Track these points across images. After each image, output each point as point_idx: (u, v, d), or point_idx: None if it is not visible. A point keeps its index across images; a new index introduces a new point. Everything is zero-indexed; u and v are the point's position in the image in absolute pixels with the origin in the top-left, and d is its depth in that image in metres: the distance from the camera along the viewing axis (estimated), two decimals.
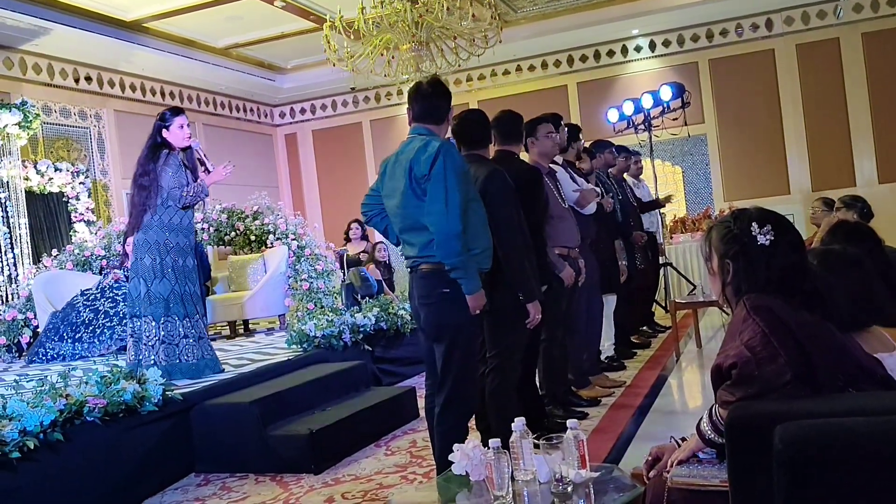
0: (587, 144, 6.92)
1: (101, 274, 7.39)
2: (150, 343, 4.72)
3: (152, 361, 4.67)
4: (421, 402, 4.76)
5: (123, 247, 7.22)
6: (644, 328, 7.51)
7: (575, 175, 5.49)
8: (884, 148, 10.09)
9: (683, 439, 2.17)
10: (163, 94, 10.96)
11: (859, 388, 1.83)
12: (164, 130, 4.75)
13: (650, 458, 2.20)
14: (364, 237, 9.60)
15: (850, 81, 10.21)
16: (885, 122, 10.05)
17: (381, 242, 9.82)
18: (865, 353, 1.94)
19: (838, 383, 1.82)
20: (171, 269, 4.76)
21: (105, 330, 6.50)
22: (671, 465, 2.06)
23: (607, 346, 6.22)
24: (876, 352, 2.03)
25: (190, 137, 4.83)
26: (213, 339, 7.10)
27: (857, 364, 1.87)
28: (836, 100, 10.28)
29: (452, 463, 2.44)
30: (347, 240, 9.44)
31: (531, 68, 11.66)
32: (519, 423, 2.36)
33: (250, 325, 8.31)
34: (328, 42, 8.11)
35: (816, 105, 10.35)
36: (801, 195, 10.18)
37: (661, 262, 8.12)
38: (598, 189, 5.38)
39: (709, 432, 1.97)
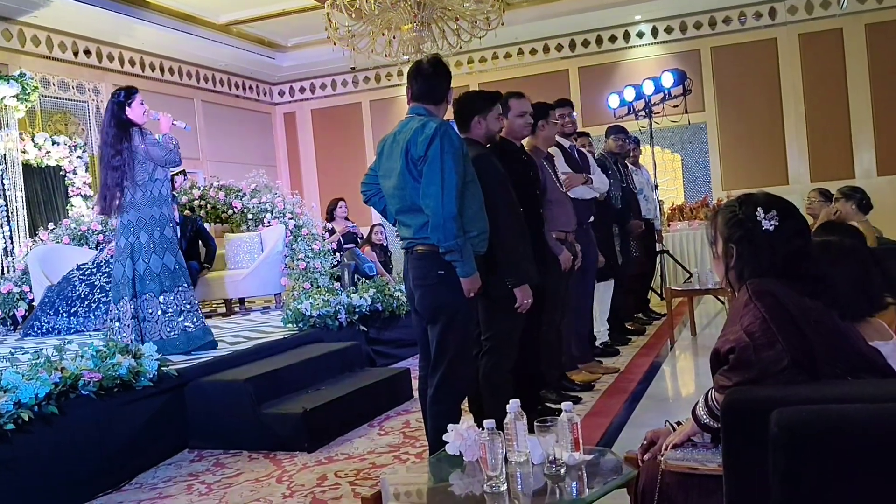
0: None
1: (97, 248, 7.37)
2: (126, 322, 4.75)
3: (131, 339, 4.69)
4: (415, 384, 4.78)
5: None
6: (639, 315, 7.53)
7: (591, 160, 5.58)
8: (883, 140, 10.08)
9: (679, 423, 2.18)
10: (161, 70, 10.88)
11: (858, 377, 1.83)
12: (127, 109, 4.80)
13: (645, 442, 2.21)
14: (347, 218, 9.46)
15: (851, 73, 10.18)
16: (886, 115, 10.03)
17: (379, 224, 9.81)
18: (866, 342, 1.94)
19: (837, 371, 1.82)
20: (159, 243, 4.81)
21: (101, 305, 6.48)
22: (665, 449, 2.07)
23: (602, 332, 6.25)
24: (872, 340, 2.04)
25: (145, 113, 4.87)
26: (209, 317, 7.11)
27: (857, 352, 1.87)
28: (837, 91, 10.26)
29: (445, 444, 2.45)
30: (331, 218, 9.29)
31: (533, 52, 11.61)
32: (514, 404, 2.36)
33: (246, 304, 8.30)
34: (329, 21, 8.05)
35: (817, 96, 10.32)
36: (800, 185, 10.15)
37: (657, 249, 8.13)
38: (593, 176, 5.37)
39: (704, 417, 1.98)
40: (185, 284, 4.92)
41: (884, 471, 1.44)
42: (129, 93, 4.85)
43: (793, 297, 1.87)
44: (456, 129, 3.34)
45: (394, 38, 8.31)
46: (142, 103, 4.86)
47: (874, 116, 10.11)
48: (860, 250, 2.27)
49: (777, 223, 1.94)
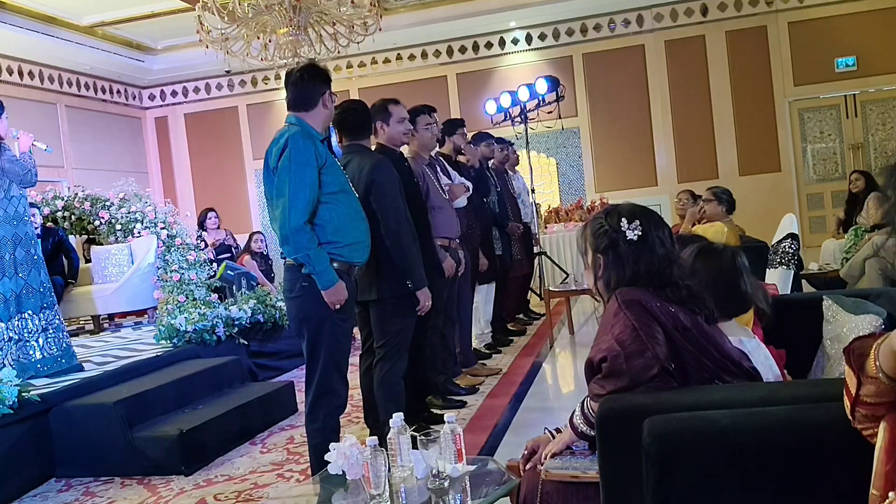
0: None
1: None
2: (0, 346, 4.43)
3: (3, 363, 4.37)
4: (300, 397, 4.68)
5: None
6: (520, 315, 7.68)
7: (449, 168, 5.54)
8: (744, 141, 10.67)
9: (558, 430, 2.21)
10: (21, 74, 10.22)
11: (726, 381, 1.91)
12: None
13: (526, 452, 2.23)
14: (219, 226, 9.24)
15: (714, 77, 10.73)
16: (746, 117, 10.63)
17: (259, 232, 9.57)
18: (732, 345, 2.02)
19: (705, 375, 1.89)
20: (22, 263, 4.50)
21: None
22: (545, 458, 2.09)
23: (486, 334, 6.34)
24: (737, 335, 2.13)
25: (7, 131, 4.60)
26: (76, 335, 6.74)
27: (724, 356, 1.94)
28: (701, 95, 10.79)
29: (327, 462, 2.40)
30: (203, 229, 9.06)
31: (411, 57, 11.63)
32: (397, 418, 2.34)
33: (116, 320, 7.91)
34: (201, 23, 7.79)
35: (683, 99, 10.83)
36: (668, 186, 10.63)
37: (535, 251, 8.31)
38: (468, 184, 5.41)
39: (581, 425, 2.02)
40: (50, 303, 4.62)
41: (751, 476, 1.50)
42: None
43: (660, 304, 1.94)
44: (310, 133, 3.24)
45: (269, 41, 8.12)
46: (5, 119, 4.56)
47: (735, 119, 10.69)
48: (735, 253, 2.37)
49: (640, 232, 2.01)
